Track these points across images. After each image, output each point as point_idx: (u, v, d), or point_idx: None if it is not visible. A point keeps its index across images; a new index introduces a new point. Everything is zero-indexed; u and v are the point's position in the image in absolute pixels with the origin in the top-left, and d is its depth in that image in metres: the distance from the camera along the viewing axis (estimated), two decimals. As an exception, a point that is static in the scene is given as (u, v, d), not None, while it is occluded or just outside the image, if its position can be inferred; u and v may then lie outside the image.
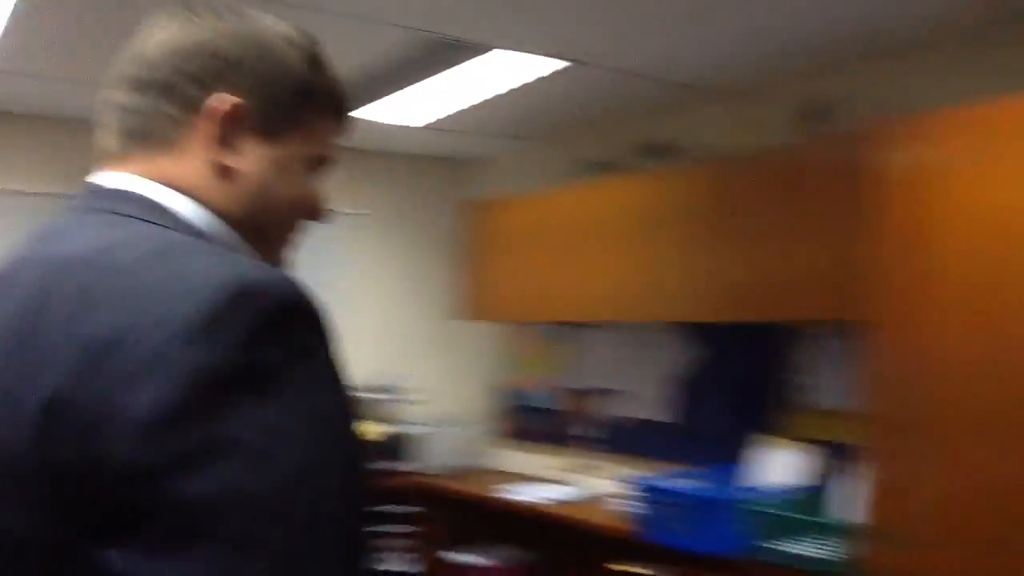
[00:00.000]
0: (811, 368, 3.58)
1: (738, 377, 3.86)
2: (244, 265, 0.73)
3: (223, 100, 0.83)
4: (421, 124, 4.29)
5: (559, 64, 3.36)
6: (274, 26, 0.88)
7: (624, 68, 3.44)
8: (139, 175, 0.84)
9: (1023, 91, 2.68)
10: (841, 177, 3.12)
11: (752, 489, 3.35)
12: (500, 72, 3.45)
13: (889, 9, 2.93)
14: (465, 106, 3.94)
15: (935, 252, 2.78)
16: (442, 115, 4.11)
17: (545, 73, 3.43)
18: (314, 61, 0.90)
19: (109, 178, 0.85)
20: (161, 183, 0.83)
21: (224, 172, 0.85)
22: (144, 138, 0.85)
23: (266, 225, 0.88)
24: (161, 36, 0.86)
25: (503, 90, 3.67)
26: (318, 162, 0.92)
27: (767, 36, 3.16)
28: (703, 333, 4.00)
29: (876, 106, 3.19)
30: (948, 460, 2.63)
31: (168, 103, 0.84)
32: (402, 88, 3.65)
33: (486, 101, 3.84)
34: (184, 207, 0.83)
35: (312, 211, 0.93)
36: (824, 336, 3.52)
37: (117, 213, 0.80)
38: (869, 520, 2.77)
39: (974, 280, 2.70)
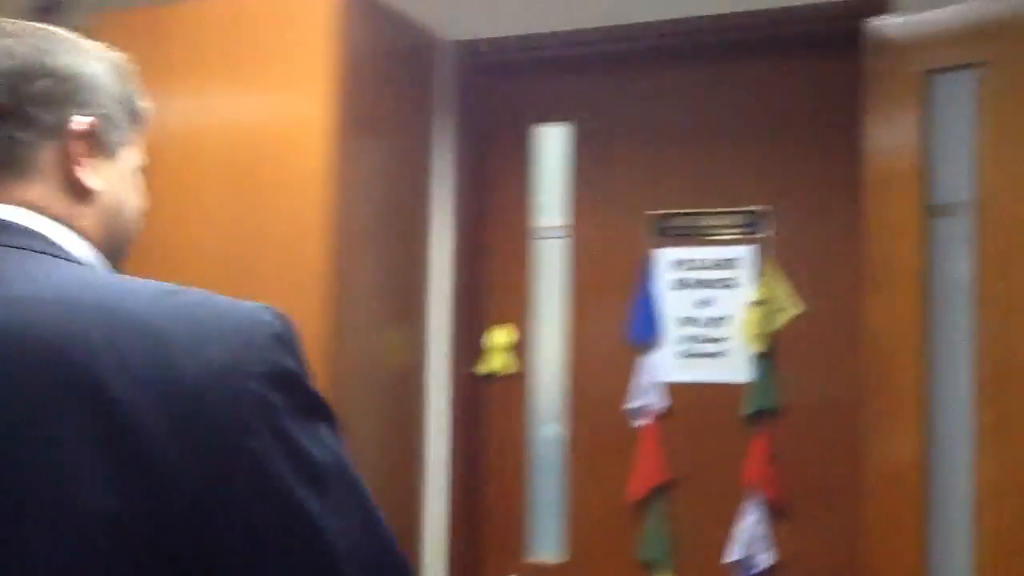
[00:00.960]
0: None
1: None
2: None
3: (79, 122, 0.83)
4: None
5: None
6: (87, 42, 0.88)
7: None
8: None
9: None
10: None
11: None
12: None
13: None
14: None
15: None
16: None
17: None
18: (125, 74, 0.90)
19: None
20: (27, 209, 0.80)
21: (84, 194, 0.83)
22: None
23: (122, 242, 0.89)
24: None
25: None
26: (141, 171, 0.92)
27: None
28: None
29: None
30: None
31: (20, 128, 0.81)
32: None
33: None
34: (63, 236, 0.81)
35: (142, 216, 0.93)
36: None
37: (11, 247, 0.77)
38: None
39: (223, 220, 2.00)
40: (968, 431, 1.85)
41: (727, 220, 2.17)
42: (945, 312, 1.91)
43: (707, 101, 2.21)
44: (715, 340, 2.17)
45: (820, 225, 2.11)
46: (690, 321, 2.19)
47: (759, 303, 2.11)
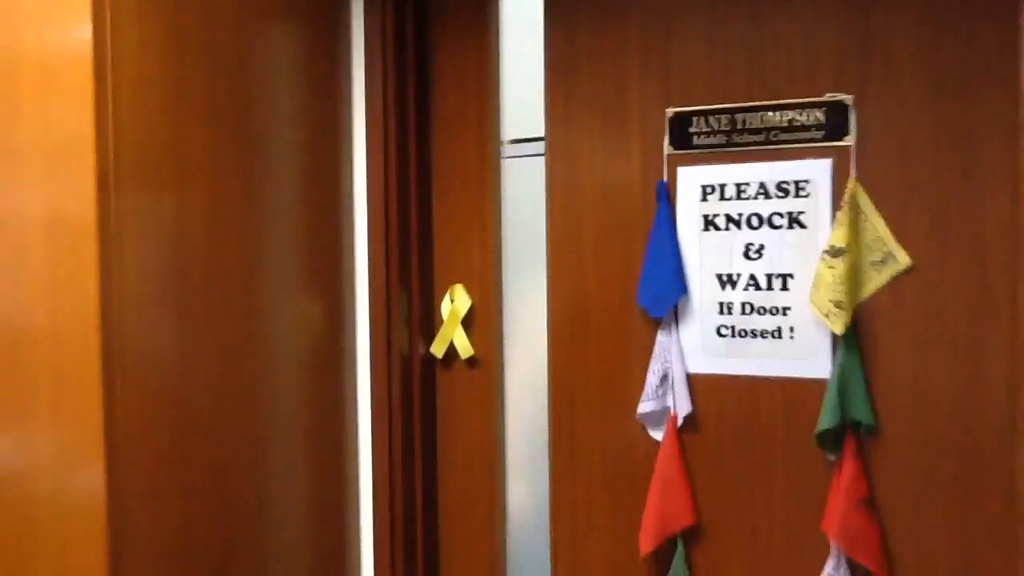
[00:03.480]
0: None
1: None
2: None
3: None
4: None
5: None
6: None
7: None
8: None
9: None
10: None
11: None
12: None
13: None
14: None
15: None
16: None
17: None
18: None
19: None
20: None
21: None
22: None
23: None
24: None
25: None
26: None
27: None
28: None
29: None
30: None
31: None
32: None
33: None
34: None
35: None
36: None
37: None
38: None
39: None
40: None
41: (785, 120, 1.35)
42: None
43: (751, -75, 1.37)
44: (771, 311, 1.38)
45: (935, 126, 1.27)
46: (730, 281, 1.40)
47: (837, 252, 1.30)
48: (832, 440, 1.33)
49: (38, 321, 1.15)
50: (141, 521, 1.19)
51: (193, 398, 1.28)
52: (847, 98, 1.31)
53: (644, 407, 1.43)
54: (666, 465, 1.42)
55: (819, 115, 1.33)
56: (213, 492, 1.32)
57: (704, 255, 1.41)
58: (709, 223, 1.41)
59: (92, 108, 1.10)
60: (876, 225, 1.30)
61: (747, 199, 1.38)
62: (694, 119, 1.41)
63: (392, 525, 1.57)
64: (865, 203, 1.30)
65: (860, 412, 1.31)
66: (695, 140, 1.41)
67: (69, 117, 1.11)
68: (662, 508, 1.42)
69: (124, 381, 1.15)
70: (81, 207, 1.10)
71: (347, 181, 1.58)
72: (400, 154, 1.57)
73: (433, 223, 1.63)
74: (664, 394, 1.43)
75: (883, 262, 1.30)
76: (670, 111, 1.42)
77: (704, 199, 1.41)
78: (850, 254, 1.30)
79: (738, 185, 1.39)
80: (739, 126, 1.38)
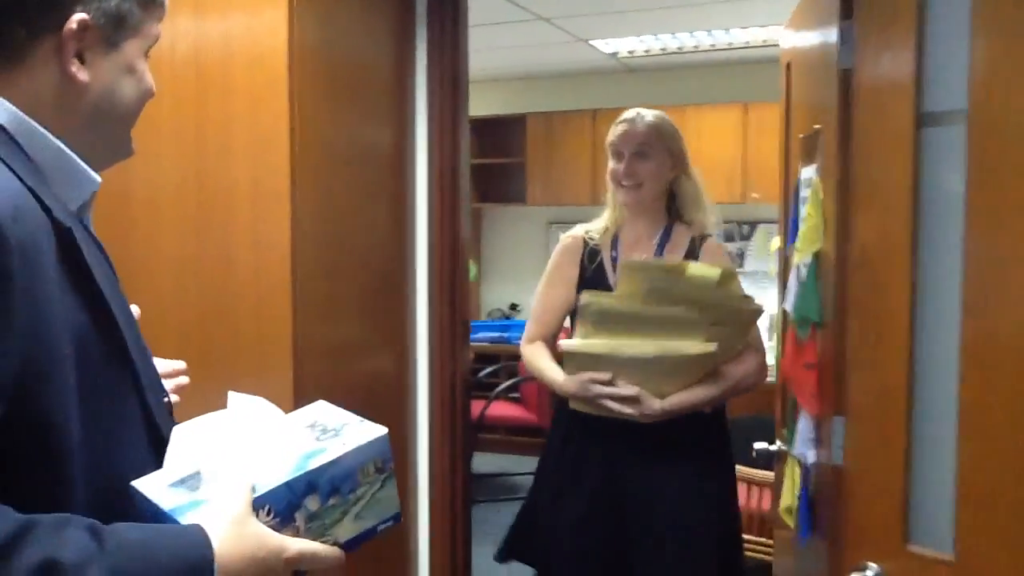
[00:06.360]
0: None
1: None
2: None
3: (73, 20, 0.90)
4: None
5: None
6: None
7: None
8: None
9: None
10: None
11: None
12: None
13: None
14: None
15: None
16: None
17: None
18: None
19: None
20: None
21: (75, 87, 0.92)
22: None
23: (113, 126, 1.00)
24: None
25: None
26: (148, 50, 1.00)
27: None
28: None
29: None
30: None
31: (17, 23, 0.89)
32: None
33: None
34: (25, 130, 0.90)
35: (149, 96, 1.02)
36: None
37: None
38: None
39: None
40: (955, 351, 1.71)
41: (811, 143, 2.32)
42: (936, 229, 1.83)
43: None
44: (812, 251, 2.38)
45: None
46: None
47: (804, 220, 2.27)
48: (803, 327, 2.30)
49: (243, 259, 2.22)
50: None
51: (332, 302, 2.47)
52: (819, 128, 2.24)
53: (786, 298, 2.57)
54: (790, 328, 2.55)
55: (812, 140, 2.28)
56: (344, 358, 2.62)
57: (801, 215, 2.46)
58: (801, 199, 2.45)
59: (287, 122, 2.17)
60: (823, 203, 2.22)
61: (806, 188, 2.39)
62: (802, 141, 2.46)
63: (441, 389, 3.00)
64: (819, 191, 2.23)
65: (813, 312, 2.25)
66: (804, 152, 2.46)
67: (270, 127, 2.16)
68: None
69: (299, 300, 2.22)
70: (279, 183, 2.19)
71: (410, 220, 2.87)
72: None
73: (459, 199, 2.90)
74: (790, 293, 2.54)
75: (824, 224, 2.21)
76: (800, 136, 2.49)
77: (802, 186, 2.45)
78: (811, 219, 2.25)
79: (805, 180, 2.40)
80: (807, 145, 2.40)
